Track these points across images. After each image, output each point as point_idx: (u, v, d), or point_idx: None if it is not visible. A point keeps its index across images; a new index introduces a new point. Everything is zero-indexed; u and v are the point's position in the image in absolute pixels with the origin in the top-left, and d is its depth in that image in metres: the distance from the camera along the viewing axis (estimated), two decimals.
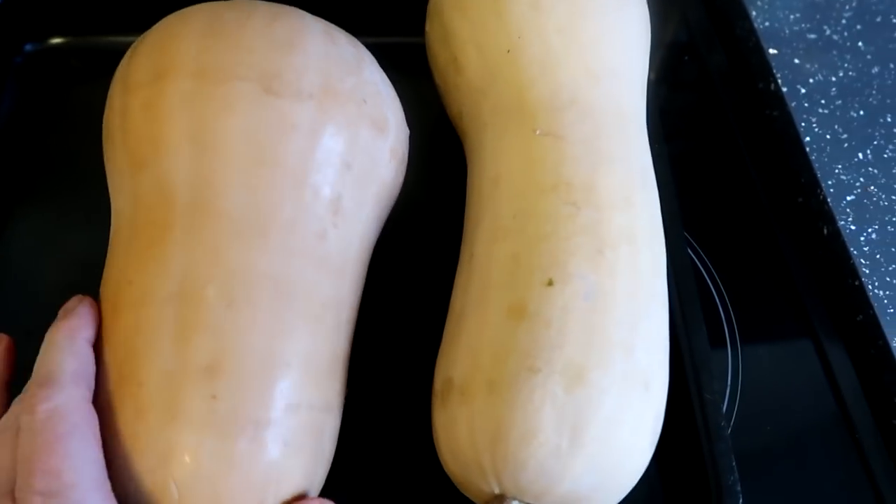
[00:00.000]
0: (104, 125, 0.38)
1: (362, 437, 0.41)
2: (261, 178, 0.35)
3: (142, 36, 0.38)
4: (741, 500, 0.38)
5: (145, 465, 0.31)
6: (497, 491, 0.33)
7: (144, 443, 0.31)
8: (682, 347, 0.42)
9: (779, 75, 0.55)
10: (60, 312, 0.34)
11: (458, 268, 0.40)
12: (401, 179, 0.42)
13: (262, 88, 0.35)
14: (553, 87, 0.40)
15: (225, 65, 0.35)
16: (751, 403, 0.44)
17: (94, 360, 0.33)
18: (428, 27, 0.47)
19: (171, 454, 0.31)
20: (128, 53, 0.38)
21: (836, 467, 0.43)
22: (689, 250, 0.49)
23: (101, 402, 0.32)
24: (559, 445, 0.32)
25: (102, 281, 0.36)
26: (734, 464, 0.39)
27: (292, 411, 0.33)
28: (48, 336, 0.33)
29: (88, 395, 0.31)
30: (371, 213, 0.39)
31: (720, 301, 0.48)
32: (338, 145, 0.36)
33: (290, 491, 0.33)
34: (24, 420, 0.29)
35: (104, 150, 0.38)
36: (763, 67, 0.57)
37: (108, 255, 0.36)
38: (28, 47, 0.57)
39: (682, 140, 0.56)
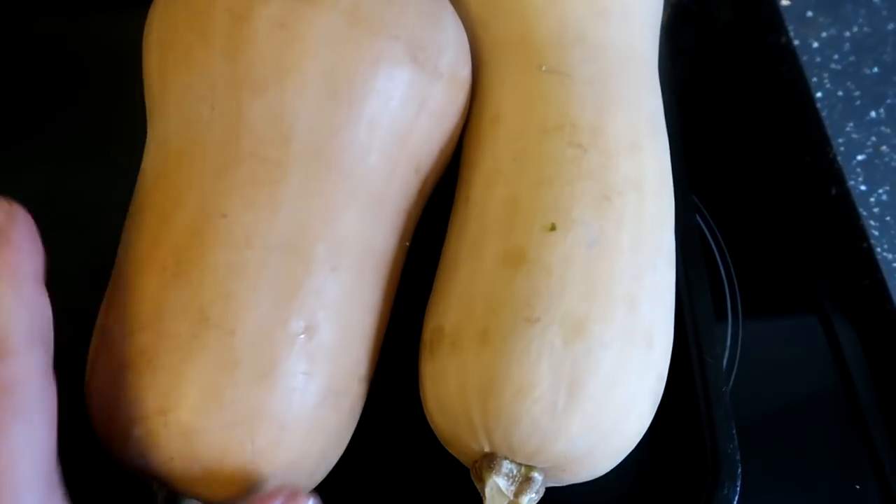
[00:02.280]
0: (178, 18, 0.33)
1: None
2: (386, 147, 0.33)
3: None
4: (740, 469, 0.36)
5: (223, 419, 0.29)
6: (487, 449, 0.31)
7: (228, 397, 0.29)
8: (684, 307, 0.39)
9: (790, 28, 0.53)
10: None
11: (452, 213, 0.37)
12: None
13: (409, 55, 0.33)
14: (560, 22, 0.37)
15: (381, 16, 0.33)
16: (750, 374, 0.42)
17: (47, 305, 0.26)
18: None
19: (257, 415, 0.29)
20: None
21: (836, 440, 0.41)
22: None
23: (169, 343, 0.29)
24: (555, 402, 0.30)
25: (151, 198, 0.32)
26: (734, 431, 0.37)
27: (358, 384, 0.33)
28: None
29: (46, 358, 0.26)
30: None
31: (721, 260, 0.46)
32: (445, 127, 0.36)
33: (334, 458, 0.33)
34: None
35: (164, 43, 0.33)
36: (774, 19, 0.54)
37: (174, 171, 0.32)
38: None
39: (685, 94, 0.53)
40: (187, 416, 0.28)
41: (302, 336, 0.30)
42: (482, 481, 0.31)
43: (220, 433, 0.29)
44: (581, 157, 0.33)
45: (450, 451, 0.34)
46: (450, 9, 0.37)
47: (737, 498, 0.35)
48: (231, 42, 0.31)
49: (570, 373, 0.30)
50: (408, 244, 0.36)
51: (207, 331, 0.29)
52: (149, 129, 0.34)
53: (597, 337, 0.30)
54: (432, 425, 0.34)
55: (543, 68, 0.36)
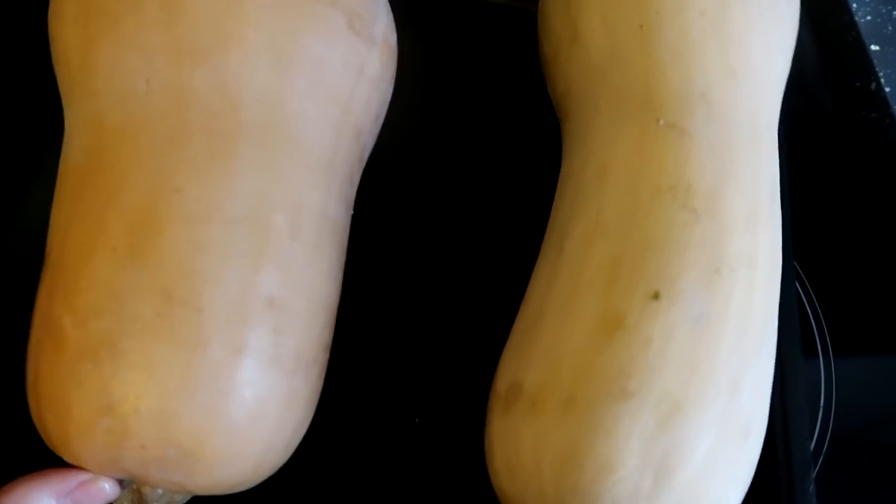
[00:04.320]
0: None
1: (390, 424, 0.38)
2: (331, 114, 0.33)
3: None
4: None
5: (198, 399, 0.27)
6: None
7: (201, 376, 0.28)
8: (775, 394, 0.36)
9: (881, 74, 0.50)
10: None
11: (540, 261, 0.35)
12: None
13: (346, 23, 0.33)
14: (685, 77, 0.35)
15: None
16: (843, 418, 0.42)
17: None
18: None
19: (232, 391, 0.28)
20: None
21: None
22: None
23: (131, 326, 0.27)
24: (640, 485, 0.27)
25: (89, 178, 0.30)
26: None
27: (324, 353, 0.33)
28: None
29: None
30: None
31: (809, 305, 0.45)
32: (381, 94, 0.37)
33: (305, 428, 0.33)
34: None
35: (83, 16, 0.31)
36: (863, 65, 0.51)
37: (112, 148, 0.30)
38: None
39: None
40: (160, 401, 0.27)
41: (270, 308, 0.29)
42: None
43: (195, 414, 0.27)
44: (694, 223, 0.31)
45: None
46: None
47: None
48: (166, 11, 0.30)
49: (661, 457, 0.27)
50: (352, 213, 0.36)
51: (173, 310, 0.28)
52: (70, 108, 0.33)
53: (694, 422, 0.28)
54: (494, 481, 0.32)
55: (661, 122, 0.34)
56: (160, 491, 0.30)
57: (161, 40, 0.30)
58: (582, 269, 0.32)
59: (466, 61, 0.50)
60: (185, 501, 0.31)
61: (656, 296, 0.30)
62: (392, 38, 0.37)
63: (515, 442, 0.30)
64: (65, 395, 0.28)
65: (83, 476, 0.29)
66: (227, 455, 0.29)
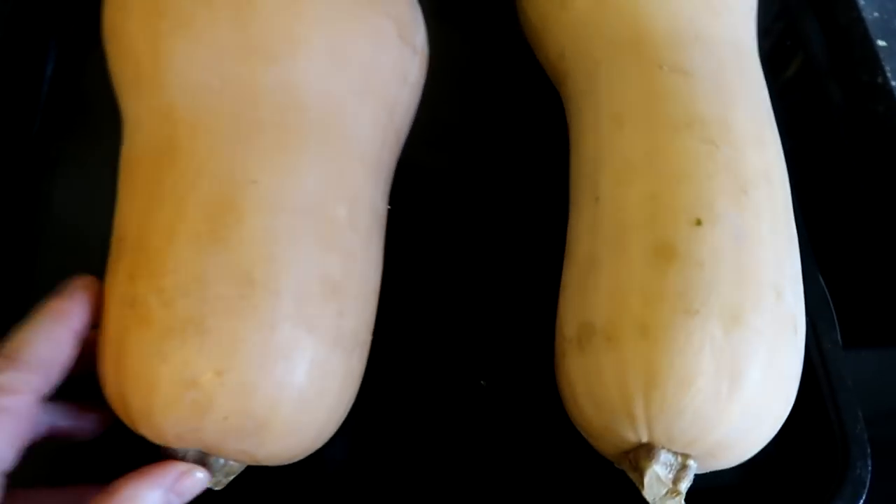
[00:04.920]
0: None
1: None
2: (380, 116, 0.36)
3: None
4: (869, 449, 0.37)
5: (277, 373, 0.30)
6: (644, 440, 0.32)
7: (280, 352, 0.30)
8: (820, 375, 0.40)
9: (888, 69, 0.52)
10: (58, 289, 0.32)
11: (575, 215, 0.38)
12: None
13: (397, 32, 0.36)
14: (674, 22, 0.38)
15: None
16: None
17: (70, 354, 0.31)
18: None
19: (307, 366, 0.31)
20: None
21: None
22: None
23: (216, 305, 0.30)
24: (718, 391, 0.31)
25: (168, 168, 0.32)
26: (860, 412, 0.38)
27: (370, 335, 0.35)
28: (38, 309, 0.31)
29: (41, 386, 0.30)
30: None
31: None
32: (416, 100, 0.40)
33: (351, 404, 0.35)
34: None
35: (153, 11, 0.33)
36: (869, 59, 0.53)
37: (188, 140, 0.32)
38: None
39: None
40: (244, 374, 0.30)
41: (334, 293, 0.32)
42: (639, 471, 0.32)
43: (270, 387, 0.30)
44: (715, 152, 0.34)
45: (594, 443, 0.35)
46: None
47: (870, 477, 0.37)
48: (239, 12, 0.33)
49: (732, 362, 0.31)
50: (389, 207, 0.38)
51: (254, 292, 0.30)
52: (136, 99, 0.34)
53: (753, 326, 0.31)
54: (579, 418, 0.35)
55: (665, 68, 0.37)
56: (222, 461, 0.32)
57: (233, 39, 0.33)
58: (623, 210, 0.35)
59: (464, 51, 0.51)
60: (240, 471, 0.33)
61: (699, 222, 0.33)
62: (426, 47, 0.40)
63: (598, 376, 0.33)
64: (151, 371, 0.29)
65: (180, 467, 0.30)
66: (294, 426, 0.31)
